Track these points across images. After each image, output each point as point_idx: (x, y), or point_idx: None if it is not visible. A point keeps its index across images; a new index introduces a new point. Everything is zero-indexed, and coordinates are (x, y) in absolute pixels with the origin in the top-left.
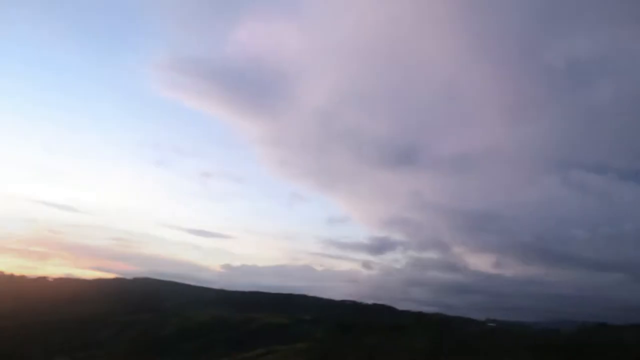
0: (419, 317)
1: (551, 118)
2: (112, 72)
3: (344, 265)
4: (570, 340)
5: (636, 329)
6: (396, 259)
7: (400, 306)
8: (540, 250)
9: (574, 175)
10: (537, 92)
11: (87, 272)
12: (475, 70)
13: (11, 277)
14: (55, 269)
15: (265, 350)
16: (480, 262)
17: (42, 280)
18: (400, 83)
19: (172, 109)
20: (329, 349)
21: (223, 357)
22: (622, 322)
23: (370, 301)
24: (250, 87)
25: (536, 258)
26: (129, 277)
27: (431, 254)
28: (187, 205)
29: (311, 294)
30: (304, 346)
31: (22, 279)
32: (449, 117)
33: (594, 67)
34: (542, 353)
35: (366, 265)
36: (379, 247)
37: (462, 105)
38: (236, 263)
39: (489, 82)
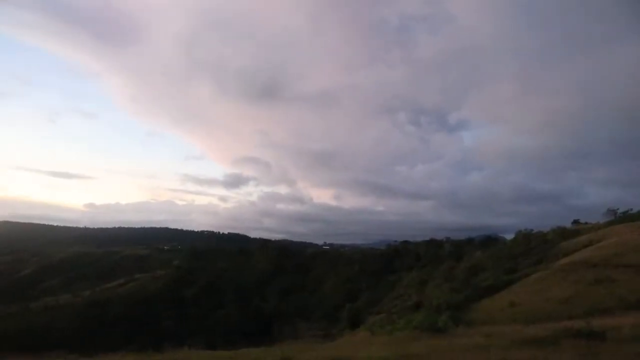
0: (264, 243)
1: (382, 67)
2: None
3: (203, 200)
4: (379, 255)
5: (428, 243)
6: (249, 193)
7: (253, 234)
8: (372, 184)
9: (400, 119)
10: (374, 43)
11: None
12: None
13: None
14: None
15: (126, 279)
16: (322, 195)
17: None
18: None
19: (15, 45)
20: (185, 274)
21: (85, 290)
22: (422, 238)
23: (226, 231)
24: (96, 17)
25: (368, 191)
26: None
27: (280, 189)
28: (42, 146)
29: (173, 226)
30: (162, 272)
31: None
32: (305, 58)
33: (422, 24)
34: (356, 265)
35: (222, 199)
36: (234, 182)
37: (315, 50)
38: (99, 202)
39: (337, 29)
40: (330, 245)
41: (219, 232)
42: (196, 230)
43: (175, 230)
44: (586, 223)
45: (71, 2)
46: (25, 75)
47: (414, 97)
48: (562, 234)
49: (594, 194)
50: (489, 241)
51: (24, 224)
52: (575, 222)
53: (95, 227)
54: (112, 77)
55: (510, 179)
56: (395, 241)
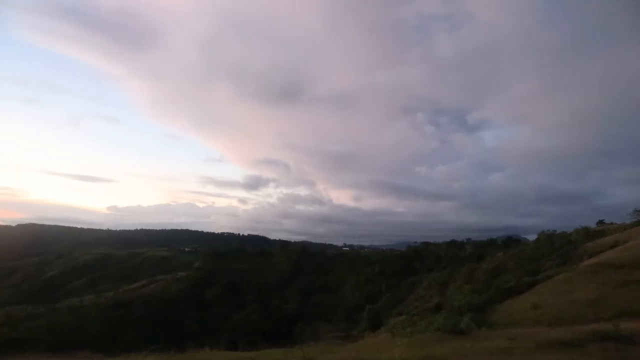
0: (284, 244)
1: (401, 67)
2: None
3: (223, 202)
4: (399, 256)
5: (449, 244)
6: (269, 195)
7: (273, 236)
8: (391, 185)
9: (419, 119)
10: (392, 43)
11: None
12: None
13: None
14: None
15: (149, 280)
16: (342, 196)
17: None
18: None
19: (40, 53)
20: (206, 275)
21: (108, 291)
22: (442, 239)
23: (246, 232)
24: (118, 23)
25: (388, 192)
26: (13, 224)
27: (299, 190)
28: (67, 150)
29: (193, 228)
30: (184, 274)
31: None
32: (323, 60)
33: (440, 24)
34: (376, 266)
35: (242, 201)
36: (253, 184)
37: (333, 51)
38: (122, 205)
39: (355, 30)
40: (350, 246)
41: (239, 234)
42: (216, 232)
43: (196, 232)
44: (611, 223)
45: (94, 10)
46: (52, 81)
47: (433, 97)
48: (587, 234)
49: (619, 193)
50: (511, 242)
51: (50, 226)
52: (600, 222)
53: (118, 229)
54: (133, 81)
55: (532, 179)
56: (416, 242)
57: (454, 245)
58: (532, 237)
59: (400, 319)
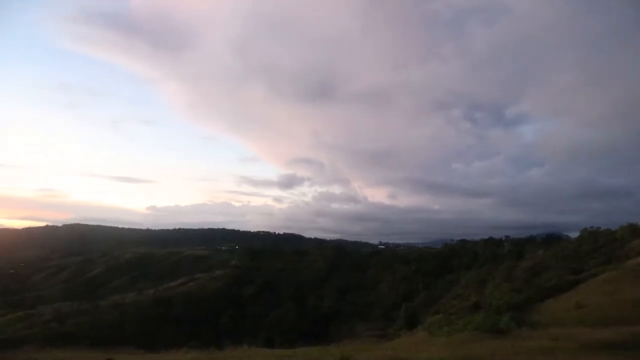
0: (319, 242)
1: (435, 62)
2: (13, 22)
3: (259, 201)
4: (435, 254)
5: (487, 242)
6: (304, 193)
7: (308, 234)
8: (427, 182)
9: (455, 115)
10: (426, 38)
11: (18, 222)
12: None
13: None
14: None
15: (187, 279)
16: (377, 194)
17: None
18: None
19: (80, 59)
20: (242, 273)
21: (149, 288)
22: (480, 237)
23: (282, 231)
24: (153, 27)
25: (423, 189)
26: (58, 224)
27: (334, 188)
28: (107, 153)
29: (230, 227)
30: (221, 273)
31: None
32: (356, 57)
33: (475, 16)
34: (412, 264)
35: (277, 199)
36: (288, 183)
37: (365, 48)
38: (160, 205)
39: (388, 26)
40: (386, 244)
41: (274, 233)
42: (252, 230)
43: (232, 230)
44: None
45: (131, 16)
46: (92, 86)
47: (468, 92)
48: (633, 231)
49: None
50: (552, 240)
51: (92, 226)
52: None
53: (157, 228)
54: (170, 84)
55: (574, 174)
56: (452, 240)
57: (491, 243)
58: (573, 235)
59: (437, 317)
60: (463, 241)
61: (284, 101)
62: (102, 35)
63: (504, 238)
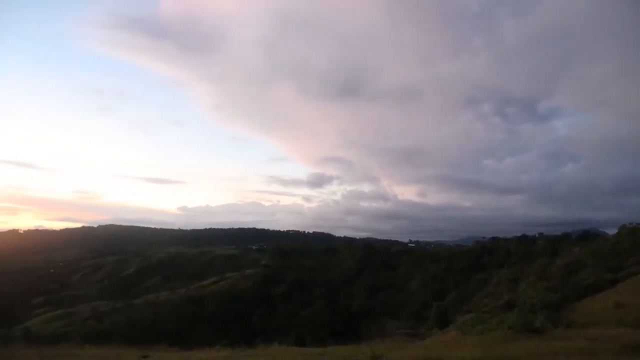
0: (349, 241)
1: (465, 57)
2: (48, 30)
3: (288, 200)
4: (467, 252)
5: (519, 239)
6: (333, 192)
7: (337, 233)
8: (458, 179)
9: (485, 110)
10: (455, 32)
11: (55, 223)
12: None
13: None
14: (25, 222)
15: (218, 278)
16: (406, 192)
17: (13, 232)
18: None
19: (112, 63)
20: (273, 272)
21: (181, 287)
22: (512, 234)
23: (311, 230)
24: (182, 30)
25: (454, 186)
26: (94, 225)
27: (363, 187)
28: (139, 155)
29: (260, 226)
30: (252, 272)
31: None
32: (383, 54)
33: (506, 8)
34: (443, 262)
35: (307, 198)
36: (317, 182)
37: (393, 44)
38: (191, 205)
39: (415, 21)
40: (416, 242)
41: (304, 232)
42: (282, 229)
43: (262, 230)
44: None
45: (160, 20)
46: (123, 90)
47: (499, 86)
48: None
49: None
50: (588, 236)
51: (126, 227)
52: None
53: (188, 228)
54: (198, 85)
55: (611, 169)
56: (484, 238)
57: (525, 240)
58: (611, 232)
59: (469, 316)
60: (495, 239)
61: (312, 100)
62: (133, 40)
63: (537, 235)
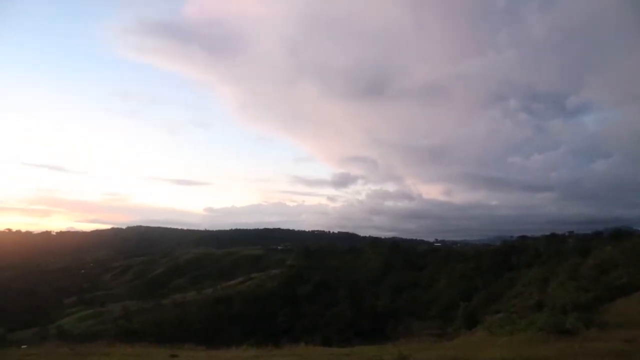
0: (374, 240)
1: (490, 53)
2: (78, 37)
3: (313, 200)
4: (494, 251)
5: (549, 238)
6: (358, 192)
7: (362, 233)
8: (484, 177)
9: (512, 106)
10: (480, 28)
11: (86, 225)
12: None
13: (18, 233)
14: (57, 223)
15: (244, 278)
16: (432, 191)
17: (46, 234)
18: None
19: (139, 68)
20: (298, 272)
21: (208, 287)
22: (541, 233)
23: (336, 230)
24: (206, 33)
25: (480, 184)
26: (123, 226)
27: (388, 186)
28: (165, 157)
29: (285, 227)
30: (277, 272)
31: (28, 234)
32: (408, 52)
33: (532, 2)
34: (470, 262)
35: (331, 198)
36: (342, 182)
37: (418, 42)
38: (217, 206)
39: (440, 18)
40: (442, 242)
41: (329, 232)
42: (307, 230)
43: (287, 230)
44: None
45: (185, 23)
46: (150, 93)
47: (526, 82)
48: None
49: None
50: (621, 235)
51: (154, 228)
52: None
53: (214, 229)
54: (223, 87)
55: None
56: (512, 236)
57: (554, 239)
58: None
59: (497, 317)
60: (523, 237)
61: (336, 99)
62: (159, 44)
63: (567, 234)
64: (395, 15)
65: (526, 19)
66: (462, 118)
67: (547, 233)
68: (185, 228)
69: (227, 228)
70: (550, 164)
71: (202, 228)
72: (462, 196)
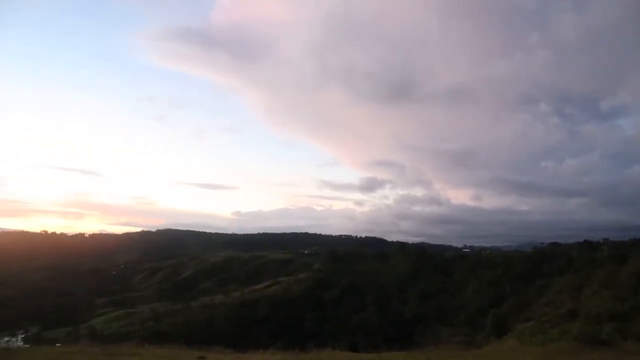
0: (401, 245)
1: (520, 55)
2: (108, 45)
3: (340, 205)
4: (524, 258)
5: (582, 245)
6: (385, 196)
7: (390, 238)
8: (514, 182)
9: (542, 110)
10: (509, 29)
11: (117, 228)
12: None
13: (53, 235)
14: (90, 226)
15: (272, 282)
16: (461, 196)
17: (79, 236)
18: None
19: (166, 73)
20: (325, 276)
21: (235, 291)
22: (574, 239)
23: (363, 234)
24: (232, 39)
25: (510, 189)
26: (152, 229)
27: (416, 191)
28: (193, 161)
29: (312, 231)
30: (304, 276)
31: (63, 236)
32: (435, 54)
33: (564, 3)
34: (499, 268)
35: (359, 203)
36: (369, 186)
37: (445, 44)
38: (245, 210)
39: (467, 20)
40: (470, 247)
41: (356, 236)
42: (334, 234)
43: (314, 234)
44: None
45: (211, 29)
46: (177, 98)
47: (558, 84)
48: None
49: None
50: None
51: (182, 231)
52: None
53: (242, 233)
54: (249, 92)
55: None
56: (542, 243)
57: (588, 246)
58: None
59: (528, 325)
60: (555, 244)
61: (362, 103)
62: (187, 50)
63: (601, 241)
64: (421, 16)
65: (558, 19)
66: (490, 122)
67: (580, 240)
68: (213, 231)
69: (255, 232)
70: (583, 169)
71: (229, 232)
72: (492, 201)
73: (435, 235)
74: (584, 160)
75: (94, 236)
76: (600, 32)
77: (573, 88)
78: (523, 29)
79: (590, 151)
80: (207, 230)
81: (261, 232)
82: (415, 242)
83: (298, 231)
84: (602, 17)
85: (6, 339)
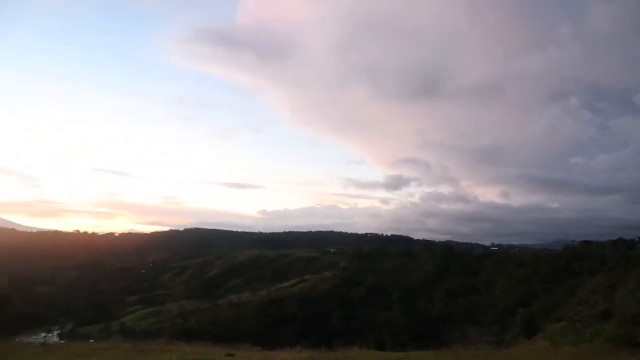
0: (428, 244)
1: (550, 48)
2: (135, 46)
3: (366, 203)
4: (555, 257)
5: (615, 243)
6: (411, 194)
7: (416, 236)
8: (544, 179)
9: (573, 105)
10: (538, 22)
11: (146, 227)
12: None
13: (85, 234)
14: (120, 225)
15: (298, 280)
16: (489, 193)
17: (110, 235)
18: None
19: (193, 75)
20: (351, 275)
21: (262, 289)
22: (607, 238)
23: (389, 233)
24: (257, 39)
25: (540, 187)
26: (180, 229)
27: (442, 188)
28: (219, 161)
29: (337, 230)
30: (330, 275)
31: (94, 235)
32: (462, 50)
33: None
34: (529, 267)
35: (384, 201)
36: (395, 184)
37: (472, 40)
38: (271, 209)
39: (495, 14)
40: (499, 246)
41: (382, 235)
42: (360, 233)
43: (340, 233)
44: None
45: (236, 31)
46: (204, 99)
47: (589, 78)
48: None
49: None
50: None
51: (210, 230)
52: None
53: (268, 232)
54: (274, 91)
55: None
56: (574, 241)
57: (622, 245)
58: None
59: (560, 325)
60: (586, 242)
61: (387, 101)
62: (213, 52)
63: (637, 239)
64: (447, 11)
65: (589, 11)
66: (519, 118)
67: (614, 238)
68: (239, 230)
69: (281, 231)
70: (617, 165)
71: (256, 230)
72: (521, 199)
73: (463, 234)
74: (617, 156)
75: (123, 235)
76: (633, 23)
77: (605, 81)
78: (553, 21)
79: (623, 147)
80: (234, 230)
81: (287, 230)
82: (442, 240)
83: (324, 230)
84: (636, 7)
85: (43, 334)
